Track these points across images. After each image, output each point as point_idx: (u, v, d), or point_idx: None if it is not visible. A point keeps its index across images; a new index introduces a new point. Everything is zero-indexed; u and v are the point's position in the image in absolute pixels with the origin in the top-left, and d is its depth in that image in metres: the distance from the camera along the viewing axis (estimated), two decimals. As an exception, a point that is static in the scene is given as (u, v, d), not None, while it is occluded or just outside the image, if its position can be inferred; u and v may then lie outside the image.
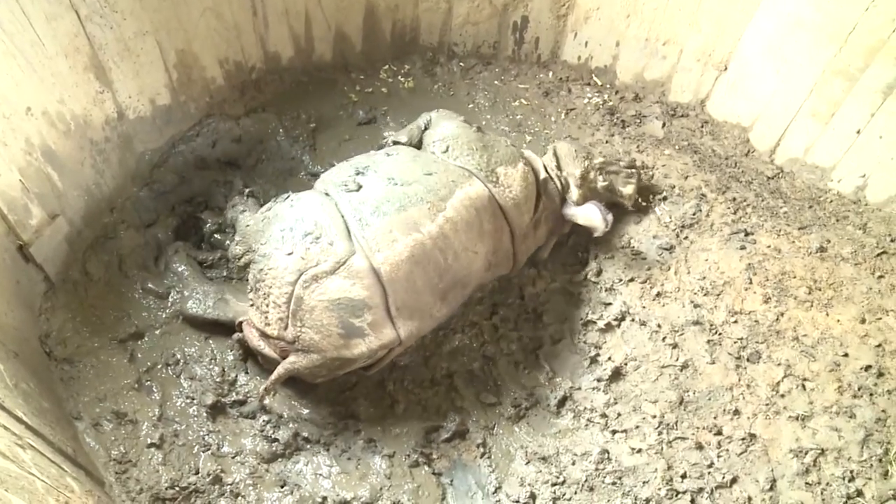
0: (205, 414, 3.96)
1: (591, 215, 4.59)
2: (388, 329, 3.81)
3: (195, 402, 4.00)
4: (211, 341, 4.23)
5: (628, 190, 5.05)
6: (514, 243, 4.46)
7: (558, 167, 4.90)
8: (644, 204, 5.22)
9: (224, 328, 4.22)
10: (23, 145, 3.76)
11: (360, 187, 4.09)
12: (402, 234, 3.87)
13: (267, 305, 3.84)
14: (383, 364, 4.07)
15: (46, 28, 3.77)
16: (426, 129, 4.83)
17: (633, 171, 5.11)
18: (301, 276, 3.74)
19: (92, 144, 4.33)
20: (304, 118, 5.55)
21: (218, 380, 4.07)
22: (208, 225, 4.74)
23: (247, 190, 4.75)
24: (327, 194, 4.10)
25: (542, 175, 4.67)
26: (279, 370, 3.78)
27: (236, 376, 4.11)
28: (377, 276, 3.76)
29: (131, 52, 4.42)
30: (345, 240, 3.82)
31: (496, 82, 6.31)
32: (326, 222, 3.89)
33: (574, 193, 4.82)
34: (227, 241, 4.49)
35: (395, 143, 4.80)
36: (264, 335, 3.91)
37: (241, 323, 4.08)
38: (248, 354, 4.16)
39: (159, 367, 4.11)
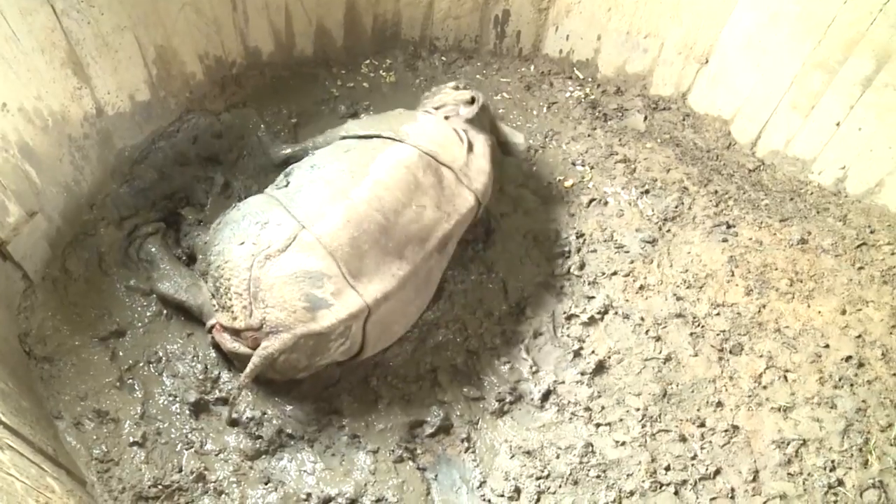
0: (187, 411, 3.93)
1: (513, 133, 5.08)
2: (351, 296, 3.79)
3: (178, 399, 3.97)
4: (193, 338, 4.19)
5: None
6: (460, 178, 4.47)
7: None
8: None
9: (201, 323, 4.17)
10: (-1, 142, 3.72)
11: (288, 183, 4.24)
12: (331, 204, 3.97)
13: (230, 299, 3.82)
14: (369, 349, 4.04)
15: (21, 23, 3.72)
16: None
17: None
18: (255, 259, 3.78)
19: (70, 141, 4.29)
20: (286, 113, 5.51)
21: (201, 377, 4.05)
22: (188, 221, 4.71)
23: (198, 219, 4.78)
24: (268, 194, 4.23)
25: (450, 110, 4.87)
26: (253, 360, 3.73)
27: (219, 374, 4.08)
28: (323, 246, 3.83)
29: (109, 48, 4.38)
30: (290, 220, 3.91)
31: (478, 76, 6.30)
32: (271, 211, 3.98)
33: (464, 110, 4.94)
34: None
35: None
36: (235, 332, 3.87)
37: (212, 329, 4.03)
38: (229, 361, 4.13)
39: (141, 364, 4.08)
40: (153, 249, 4.40)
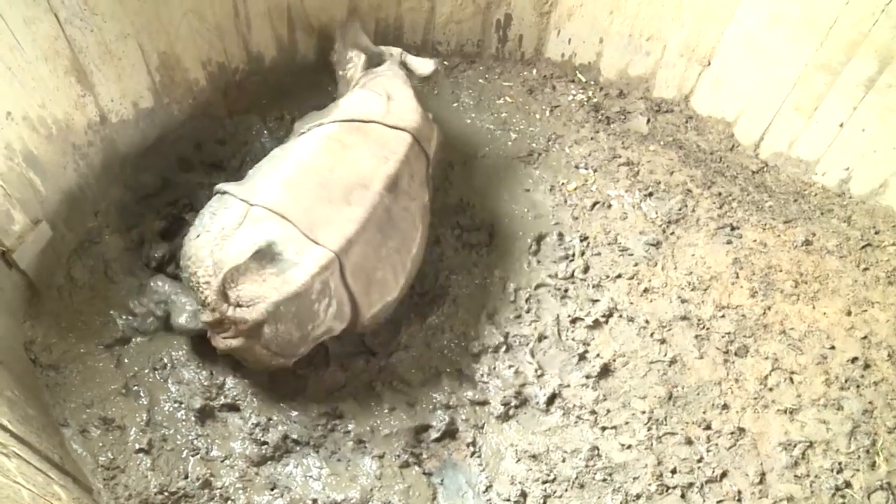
0: (193, 418, 3.94)
1: (424, 64, 5.21)
2: (314, 249, 3.80)
3: (183, 406, 3.97)
4: (198, 345, 4.19)
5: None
6: (387, 125, 4.54)
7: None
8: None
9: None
10: (3, 150, 3.72)
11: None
12: (267, 175, 4.11)
13: (203, 291, 3.79)
14: (364, 305, 4.04)
15: (25, 32, 3.73)
16: None
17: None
18: (213, 244, 3.80)
19: (74, 149, 4.30)
20: (289, 119, 5.52)
21: (206, 383, 4.05)
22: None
23: None
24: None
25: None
26: (232, 332, 3.70)
27: (224, 380, 4.08)
28: (273, 212, 3.87)
29: (113, 56, 4.39)
30: (238, 202, 3.96)
31: (480, 80, 6.31)
32: (220, 202, 4.04)
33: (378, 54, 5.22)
34: None
35: None
36: (220, 326, 3.83)
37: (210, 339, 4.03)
38: (238, 364, 4.12)
39: (146, 371, 4.08)
40: (161, 284, 4.33)
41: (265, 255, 3.71)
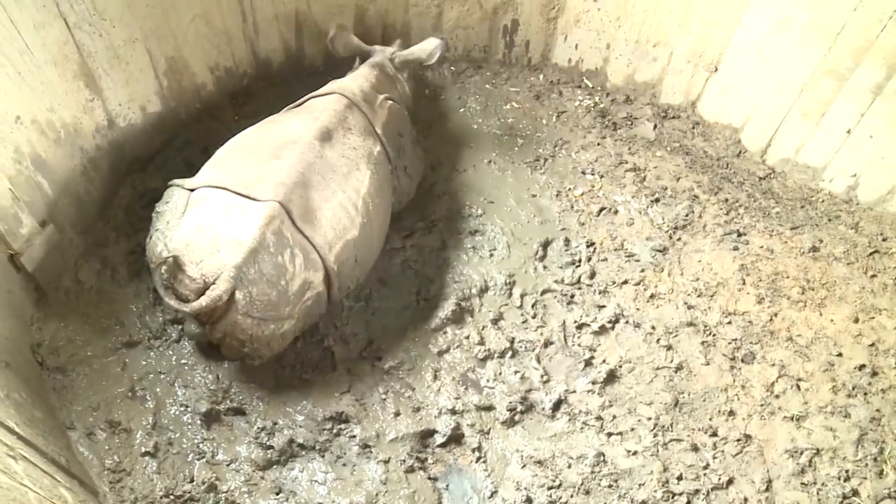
0: (199, 422, 3.94)
1: (425, 44, 5.24)
2: (255, 205, 3.83)
3: (189, 409, 3.98)
4: (205, 348, 4.20)
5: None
6: (318, 94, 4.73)
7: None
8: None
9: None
10: (12, 154, 3.74)
11: None
12: (205, 166, 4.19)
13: (172, 286, 3.76)
14: (333, 254, 4.04)
15: (35, 36, 3.75)
16: None
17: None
18: (163, 239, 3.82)
19: (82, 152, 4.32)
20: (295, 124, 5.53)
21: (212, 387, 4.06)
22: None
23: None
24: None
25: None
26: (202, 300, 3.58)
27: (230, 383, 4.09)
28: (208, 186, 3.95)
29: (121, 60, 4.41)
30: (179, 192, 4.01)
31: (487, 86, 6.31)
32: (161, 201, 4.07)
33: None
34: None
35: None
36: (206, 314, 3.76)
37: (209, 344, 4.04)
38: (243, 366, 4.13)
39: (153, 375, 4.09)
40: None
41: (213, 228, 3.76)
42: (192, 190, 3.99)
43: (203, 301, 3.57)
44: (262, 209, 3.79)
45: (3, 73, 3.60)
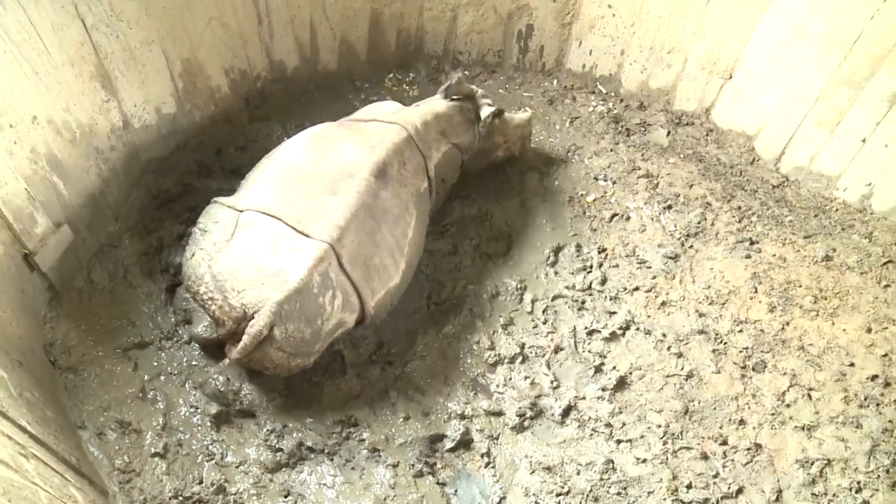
0: (209, 423, 3.95)
1: (486, 110, 5.13)
2: (307, 243, 3.82)
3: (199, 411, 3.99)
4: (215, 350, 4.21)
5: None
6: (381, 121, 4.62)
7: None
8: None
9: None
10: (28, 154, 3.76)
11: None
12: (252, 184, 4.17)
13: (210, 306, 3.84)
14: (367, 293, 4.03)
15: (53, 37, 3.78)
16: None
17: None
18: (209, 259, 3.84)
19: (97, 153, 4.34)
20: (309, 126, 5.53)
21: (222, 389, 4.06)
22: None
23: None
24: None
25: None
26: (245, 340, 3.66)
27: (240, 385, 4.10)
28: (261, 213, 3.92)
29: (137, 61, 4.44)
30: (226, 212, 4.01)
31: (501, 91, 6.32)
32: (207, 216, 4.09)
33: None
34: None
35: None
36: (234, 336, 3.84)
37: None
38: (253, 375, 4.14)
39: (163, 376, 4.11)
40: (185, 297, 4.37)
41: (260, 259, 3.77)
42: (240, 210, 3.98)
43: (245, 340, 3.65)
44: (313, 249, 3.79)
45: (21, 74, 3.63)
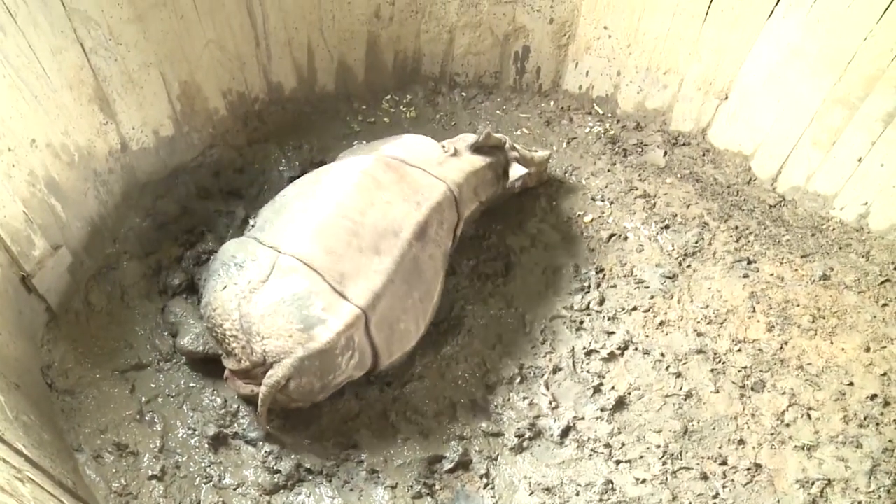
0: (206, 445, 3.94)
1: (516, 169, 5.05)
2: (342, 305, 3.81)
3: (197, 433, 3.98)
4: (212, 372, 4.20)
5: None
6: (428, 171, 4.55)
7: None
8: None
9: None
10: (27, 177, 3.77)
11: (255, 223, 4.33)
12: (298, 223, 4.08)
13: (229, 343, 3.85)
14: (384, 353, 4.04)
15: (52, 61, 3.80)
16: None
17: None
18: (240, 298, 3.82)
19: (95, 175, 4.35)
20: (307, 148, 5.57)
21: (220, 411, 4.05)
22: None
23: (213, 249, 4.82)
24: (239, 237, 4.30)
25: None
26: (262, 391, 3.70)
27: (238, 407, 4.09)
28: (303, 263, 3.87)
29: (135, 84, 4.46)
30: (265, 251, 3.98)
31: (498, 112, 6.35)
32: (244, 250, 4.05)
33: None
34: None
35: None
36: (244, 374, 3.89)
37: (227, 380, 4.05)
38: (249, 402, 4.13)
39: (161, 398, 4.10)
40: (179, 311, 4.38)
41: (293, 311, 3.73)
42: (280, 252, 3.96)
43: (263, 391, 3.68)
44: (346, 314, 3.79)
45: (21, 97, 3.65)
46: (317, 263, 3.89)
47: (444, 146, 4.85)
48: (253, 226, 4.30)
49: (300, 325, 3.72)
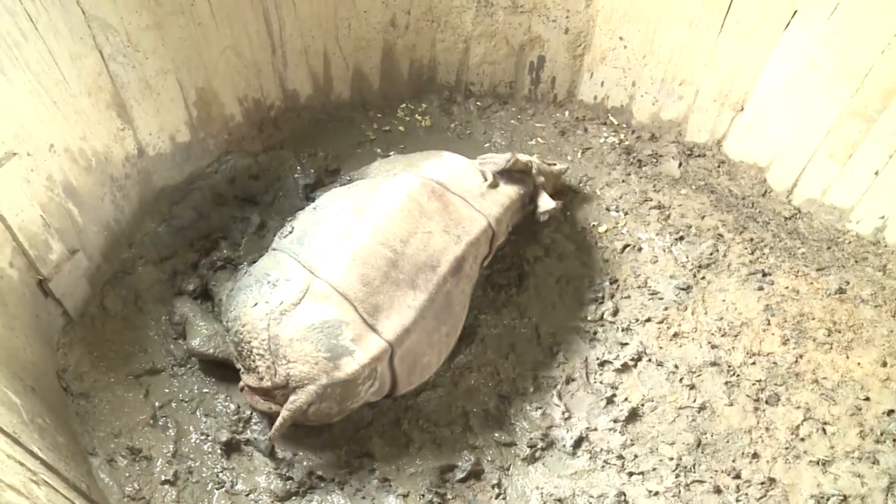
0: (219, 451, 3.94)
1: (546, 201, 4.98)
2: (371, 338, 3.80)
3: (210, 438, 3.98)
4: (226, 378, 4.21)
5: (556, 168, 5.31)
6: (470, 203, 4.49)
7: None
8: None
9: (235, 370, 4.18)
10: (45, 182, 3.80)
11: (292, 229, 4.27)
12: (337, 245, 4.00)
13: (253, 360, 3.85)
14: (403, 384, 4.03)
15: (71, 67, 3.83)
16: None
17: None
18: (270, 317, 3.80)
19: (112, 181, 4.38)
20: (322, 155, 5.59)
21: (233, 417, 4.06)
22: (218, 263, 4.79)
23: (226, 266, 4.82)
24: (274, 250, 4.25)
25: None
26: (283, 415, 3.73)
27: (251, 414, 4.09)
28: (337, 291, 3.83)
29: (152, 90, 4.49)
30: (300, 272, 3.94)
31: (513, 121, 6.35)
32: (279, 268, 4.02)
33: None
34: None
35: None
36: (264, 393, 3.90)
37: (242, 390, 4.06)
38: (264, 414, 4.14)
39: (174, 403, 4.11)
40: (186, 309, 4.39)
41: (322, 339, 3.73)
42: (316, 276, 3.92)
43: (284, 415, 3.72)
44: (374, 347, 3.79)
45: (40, 103, 3.67)
46: (351, 294, 3.85)
47: (483, 172, 4.80)
48: (290, 232, 4.25)
49: (327, 353, 3.72)
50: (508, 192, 4.80)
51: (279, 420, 3.74)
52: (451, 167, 4.72)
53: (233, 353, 4.04)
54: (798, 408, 4.35)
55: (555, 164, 5.46)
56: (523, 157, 5.02)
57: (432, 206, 4.34)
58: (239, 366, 4.01)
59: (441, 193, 4.45)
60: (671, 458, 4.16)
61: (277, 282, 3.94)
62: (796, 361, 4.55)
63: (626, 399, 4.42)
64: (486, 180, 4.70)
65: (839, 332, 4.70)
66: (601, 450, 4.20)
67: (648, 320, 4.80)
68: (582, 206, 5.59)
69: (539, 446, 4.19)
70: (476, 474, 4.07)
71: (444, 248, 4.21)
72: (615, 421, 4.32)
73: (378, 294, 3.91)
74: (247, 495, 3.82)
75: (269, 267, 4.06)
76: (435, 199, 4.39)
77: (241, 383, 4.03)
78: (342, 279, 3.88)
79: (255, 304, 3.89)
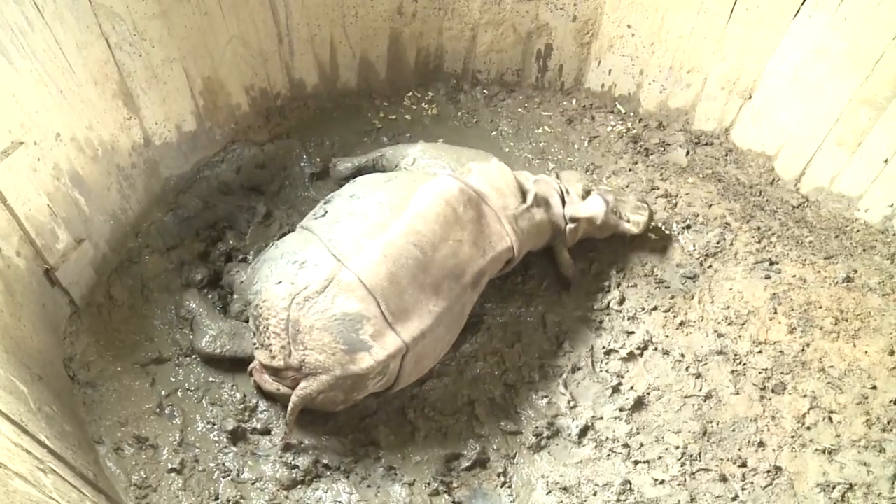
0: (225, 440, 3.96)
1: (592, 205, 4.87)
2: (391, 337, 3.80)
3: (216, 427, 4.00)
4: (232, 367, 4.23)
5: (637, 218, 4.98)
6: (501, 220, 4.44)
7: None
8: (654, 236, 5.23)
9: (243, 361, 4.20)
10: (51, 171, 3.81)
11: (326, 213, 4.24)
12: (370, 238, 3.96)
13: (269, 338, 3.84)
14: (403, 381, 4.04)
15: (77, 56, 3.84)
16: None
17: (644, 204, 5.06)
18: (293, 299, 3.78)
19: (119, 170, 4.39)
20: (328, 144, 5.59)
21: (239, 406, 4.08)
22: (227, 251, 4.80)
23: (240, 256, 4.81)
24: (305, 229, 4.22)
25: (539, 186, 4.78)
26: (293, 400, 3.75)
27: (257, 402, 4.11)
28: (364, 286, 3.81)
29: (159, 80, 4.49)
30: (329, 259, 3.90)
31: (520, 109, 6.33)
32: (308, 250, 3.98)
33: (575, 196, 4.92)
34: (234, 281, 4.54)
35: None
36: (274, 371, 3.90)
37: (251, 371, 4.07)
38: (270, 398, 4.15)
39: (180, 392, 4.13)
40: (193, 306, 4.38)
41: (342, 332, 3.73)
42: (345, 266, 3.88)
43: (294, 401, 3.75)
44: (391, 346, 3.78)
45: (46, 92, 3.68)
46: (378, 290, 3.83)
47: (523, 186, 4.70)
48: (323, 215, 4.21)
49: (345, 346, 3.72)
50: (541, 222, 4.73)
51: (290, 407, 3.76)
52: (495, 178, 4.62)
53: (251, 326, 4.04)
54: (804, 396, 4.34)
55: (641, 214, 5.05)
56: (608, 196, 4.93)
57: (467, 216, 4.30)
58: (254, 342, 4.02)
59: (477, 203, 4.40)
60: (677, 447, 4.16)
61: (305, 263, 3.91)
62: (803, 350, 4.54)
63: (631, 388, 4.42)
64: (524, 202, 4.63)
65: (846, 320, 4.68)
66: (607, 438, 4.21)
67: (655, 309, 4.79)
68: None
69: (545, 435, 4.20)
70: (482, 463, 4.08)
71: (469, 260, 4.20)
72: (621, 410, 4.32)
73: (403, 294, 3.90)
74: (252, 483, 3.84)
75: (297, 246, 4.04)
76: (471, 209, 4.34)
77: (251, 367, 4.04)
78: (371, 274, 3.84)
79: (280, 283, 3.87)
